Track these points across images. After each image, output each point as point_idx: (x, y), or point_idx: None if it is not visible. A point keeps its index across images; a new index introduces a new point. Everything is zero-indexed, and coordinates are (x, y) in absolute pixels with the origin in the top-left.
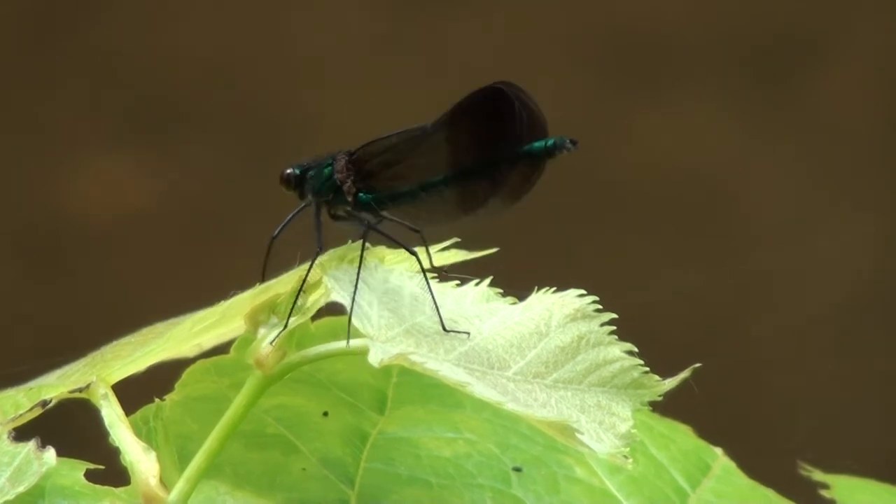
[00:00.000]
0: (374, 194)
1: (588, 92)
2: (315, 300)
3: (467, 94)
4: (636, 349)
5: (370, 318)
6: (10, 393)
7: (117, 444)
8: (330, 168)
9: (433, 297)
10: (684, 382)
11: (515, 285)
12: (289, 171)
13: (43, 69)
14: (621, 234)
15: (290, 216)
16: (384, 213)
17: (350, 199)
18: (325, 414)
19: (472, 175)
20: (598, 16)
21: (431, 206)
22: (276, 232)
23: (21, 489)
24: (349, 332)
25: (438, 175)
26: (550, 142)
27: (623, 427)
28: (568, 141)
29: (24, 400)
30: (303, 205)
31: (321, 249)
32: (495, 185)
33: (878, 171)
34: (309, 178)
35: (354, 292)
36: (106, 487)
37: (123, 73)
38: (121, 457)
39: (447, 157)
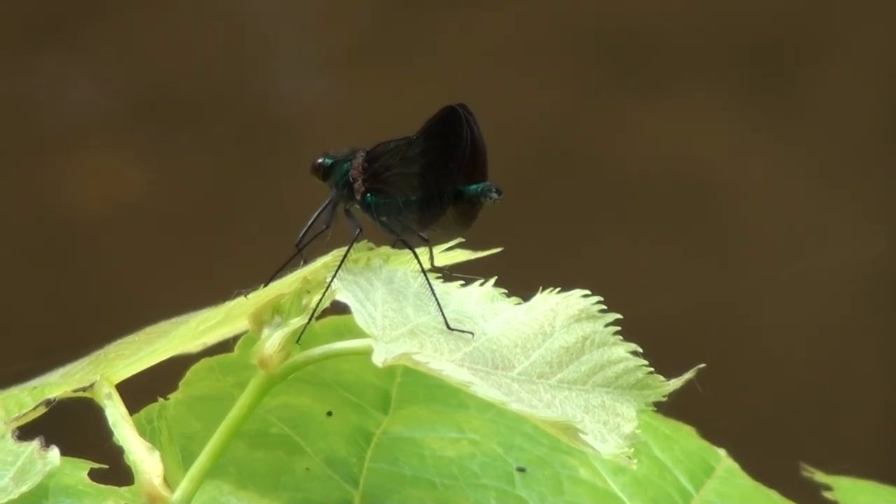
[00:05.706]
0: (378, 198)
1: (587, 91)
2: (319, 300)
3: (438, 110)
4: (641, 349)
5: (374, 318)
6: (14, 391)
7: (121, 443)
8: (349, 164)
9: (436, 297)
10: (688, 383)
11: (520, 285)
12: (320, 160)
13: (40, 66)
14: (623, 232)
15: (313, 218)
16: (382, 219)
17: (359, 198)
18: (330, 414)
19: (433, 198)
20: (596, 14)
21: (413, 222)
22: (301, 234)
23: (25, 488)
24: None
25: (416, 192)
26: (480, 187)
27: (627, 427)
28: (494, 190)
29: (28, 399)
30: (322, 206)
31: (358, 236)
32: (443, 212)
33: (878, 170)
34: (333, 171)
35: (358, 292)
36: (110, 487)
37: (121, 69)
38: (124, 456)
39: (421, 173)
